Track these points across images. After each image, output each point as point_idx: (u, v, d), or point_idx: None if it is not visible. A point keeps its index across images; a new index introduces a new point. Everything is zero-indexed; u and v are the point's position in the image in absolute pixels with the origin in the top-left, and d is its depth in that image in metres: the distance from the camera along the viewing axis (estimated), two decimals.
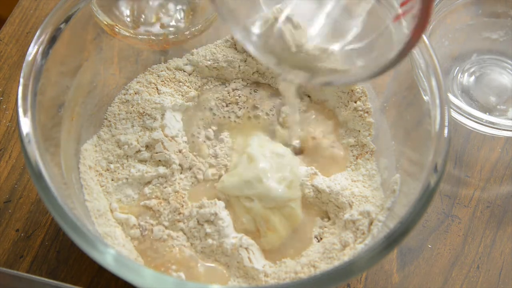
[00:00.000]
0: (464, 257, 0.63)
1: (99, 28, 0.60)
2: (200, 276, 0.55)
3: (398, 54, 0.46)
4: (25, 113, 0.50)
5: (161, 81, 0.65)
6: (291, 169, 0.59)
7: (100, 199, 0.57)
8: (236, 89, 0.65)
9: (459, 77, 0.73)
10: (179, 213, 0.57)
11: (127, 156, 0.61)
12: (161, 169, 0.59)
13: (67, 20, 0.55)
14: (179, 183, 0.59)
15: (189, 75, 0.66)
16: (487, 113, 0.68)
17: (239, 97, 0.64)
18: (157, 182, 0.59)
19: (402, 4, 0.47)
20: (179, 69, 0.66)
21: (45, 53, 0.53)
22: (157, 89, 0.64)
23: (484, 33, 0.74)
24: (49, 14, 0.55)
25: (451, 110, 0.65)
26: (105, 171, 0.60)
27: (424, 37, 0.57)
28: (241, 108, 0.63)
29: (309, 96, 0.66)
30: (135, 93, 0.63)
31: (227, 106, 0.64)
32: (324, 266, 0.54)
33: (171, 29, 0.66)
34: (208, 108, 0.64)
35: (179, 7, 0.68)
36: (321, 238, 0.58)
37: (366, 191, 0.59)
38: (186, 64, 0.66)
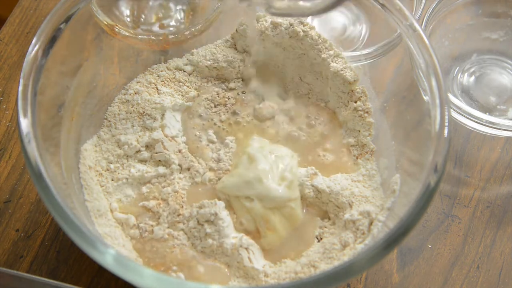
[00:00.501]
0: (464, 257, 0.63)
1: (99, 28, 0.60)
2: (201, 276, 0.55)
3: None
4: (25, 113, 0.50)
5: (161, 81, 0.65)
6: (290, 169, 0.59)
7: (100, 199, 0.57)
8: (232, 89, 0.65)
9: (459, 77, 0.73)
10: (179, 214, 0.57)
11: (127, 156, 0.61)
12: (161, 169, 0.59)
13: (67, 20, 0.55)
14: (178, 183, 0.59)
15: (189, 75, 0.66)
16: (487, 113, 0.68)
17: (228, 99, 0.64)
18: (156, 181, 0.59)
19: None
20: (179, 69, 0.66)
21: (45, 53, 0.53)
22: (157, 89, 0.64)
23: (484, 33, 0.74)
24: (49, 14, 0.55)
25: (451, 110, 0.65)
26: (105, 171, 0.60)
27: (424, 37, 0.57)
28: (225, 113, 0.63)
29: (309, 97, 0.66)
30: (135, 93, 0.63)
31: (215, 107, 0.64)
32: (324, 266, 0.54)
33: (171, 29, 0.66)
34: (197, 114, 0.63)
35: (179, 7, 0.68)
36: (321, 238, 0.58)
37: (366, 191, 0.59)
38: (186, 64, 0.66)
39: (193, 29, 0.63)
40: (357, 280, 0.61)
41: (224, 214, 0.57)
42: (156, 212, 0.57)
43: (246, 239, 0.56)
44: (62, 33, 0.55)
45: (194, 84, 0.65)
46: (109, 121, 0.62)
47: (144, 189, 0.59)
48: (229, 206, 0.58)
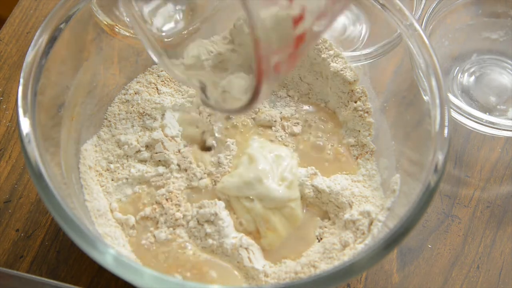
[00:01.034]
0: (464, 257, 0.63)
1: (99, 28, 0.60)
2: (214, 280, 0.55)
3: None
4: (25, 113, 0.50)
5: (161, 81, 0.65)
6: (290, 169, 0.59)
7: (100, 199, 0.57)
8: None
9: (459, 77, 0.73)
10: (176, 219, 0.57)
11: (127, 156, 0.61)
12: (161, 169, 0.59)
13: (67, 20, 0.55)
14: (173, 183, 0.59)
15: None
16: (487, 113, 0.68)
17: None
18: (153, 181, 0.59)
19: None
20: None
21: (45, 53, 0.53)
22: (157, 89, 0.64)
23: (484, 33, 0.74)
24: (49, 14, 0.55)
25: (451, 110, 0.65)
26: (105, 171, 0.60)
27: (424, 37, 0.57)
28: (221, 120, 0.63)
29: (309, 97, 0.66)
30: (135, 93, 0.63)
31: (209, 115, 0.63)
32: (324, 266, 0.54)
33: (170, 29, 0.66)
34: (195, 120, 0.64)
35: (178, 7, 0.68)
36: (321, 238, 0.58)
37: (366, 191, 0.59)
38: None
39: (190, 28, 0.63)
40: (357, 280, 0.61)
41: (224, 214, 0.57)
42: (153, 218, 0.57)
43: (246, 239, 0.56)
44: (62, 33, 0.55)
45: None
46: (109, 121, 0.62)
47: (137, 188, 0.59)
48: (229, 206, 0.58)
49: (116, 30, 0.61)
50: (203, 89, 0.52)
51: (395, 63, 0.64)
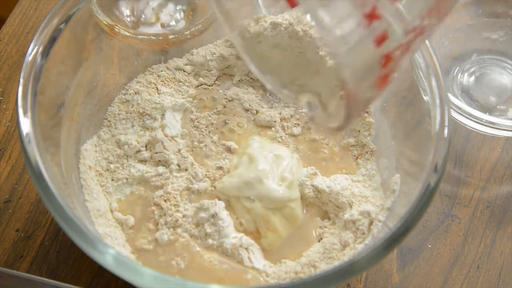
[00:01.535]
0: (464, 257, 0.63)
1: (99, 28, 0.60)
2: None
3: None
4: (25, 113, 0.50)
5: (161, 81, 0.65)
6: (290, 170, 0.59)
7: (100, 199, 0.57)
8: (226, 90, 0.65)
9: (459, 77, 0.73)
10: (176, 219, 0.56)
11: (127, 156, 0.61)
12: (161, 169, 0.59)
13: (67, 20, 0.55)
14: (172, 183, 0.58)
15: (189, 75, 0.66)
16: (487, 113, 0.68)
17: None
18: (153, 180, 0.59)
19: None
20: (179, 69, 0.66)
21: (45, 53, 0.53)
22: (157, 89, 0.64)
23: (484, 33, 0.74)
24: (49, 14, 0.55)
25: (451, 110, 0.65)
26: (105, 171, 0.60)
27: None
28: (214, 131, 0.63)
29: None
30: (135, 93, 0.63)
31: (206, 127, 0.63)
32: (324, 266, 0.54)
33: (171, 29, 0.66)
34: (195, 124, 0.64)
35: (179, 7, 0.68)
36: (321, 238, 0.58)
37: (366, 191, 0.59)
38: (186, 64, 0.66)
39: (193, 29, 0.63)
40: (357, 280, 0.61)
41: (224, 214, 0.57)
42: (153, 219, 0.57)
43: (246, 239, 0.56)
44: (62, 33, 0.55)
45: (194, 84, 0.65)
46: (109, 121, 0.62)
47: (135, 188, 0.59)
48: (229, 206, 0.58)
49: (116, 30, 0.61)
50: (309, 104, 0.51)
51: None
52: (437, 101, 0.54)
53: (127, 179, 0.59)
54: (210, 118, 0.63)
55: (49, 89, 0.54)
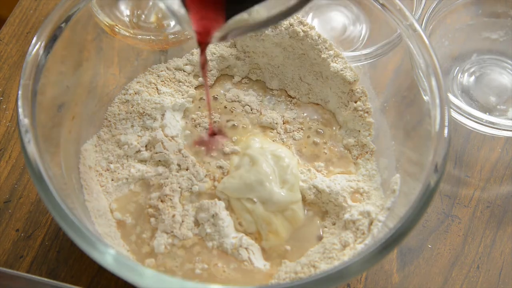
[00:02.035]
0: (464, 257, 0.63)
1: (99, 28, 0.60)
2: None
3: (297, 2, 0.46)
4: (25, 113, 0.50)
5: (161, 81, 0.65)
6: (291, 171, 0.59)
7: (100, 199, 0.57)
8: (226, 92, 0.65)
9: (459, 77, 0.73)
10: (174, 222, 0.56)
11: (127, 156, 0.61)
12: (161, 169, 0.59)
13: (67, 20, 0.55)
14: (172, 183, 0.58)
15: (189, 75, 0.66)
16: (487, 113, 0.68)
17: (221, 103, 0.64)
18: (153, 180, 0.59)
19: None
20: (179, 69, 0.66)
21: (45, 53, 0.53)
22: (157, 89, 0.64)
23: (484, 33, 0.74)
24: (49, 14, 0.55)
25: (451, 110, 0.65)
26: (105, 171, 0.60)
27: (424, 37, 0.57)
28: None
29: (309, 97, 0.66)
30: (135, 93, 0.63)
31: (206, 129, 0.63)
32: (324, 266, 0.54)
33: (171, 29, 0.66)
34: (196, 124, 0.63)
35: None
36: (321, 238, 0.58)
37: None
38: (186, 64, 0.66)
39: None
40: (357, 280, 0.61)
41: (224, 214, 0.57)
42: (150, 220, 0.57)
43: (246, 239, 0.56)
44: (62, 33, 0.55)
45: (194, 84, 0.65)
46: (109, 121, 0.62)
47: (133, 187, 0.59)
48: (229, 207, 0.58)
49: (116, 30, 0.61)
50: None
51: (395, 63, 0.65)
52: (437, 101, 0.54)
53: (127, 179, 0.59)
54: (214, 117, 0.63)
55: (49, 89, 0.54)
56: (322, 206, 0.60)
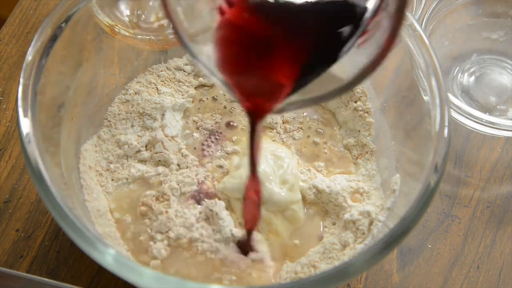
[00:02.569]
0: (464, 257, 0.63)
1: (99, 28, 0.60)
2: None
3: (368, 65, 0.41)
4: (25, 113, 0.50)
5: (161, 81, 0.65)
6: (291, 171, 0.59)
7: (100, 199, 0.57)
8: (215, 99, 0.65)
9: (459, 77, 0.73)
10: (168, 221, 0.56)
11: (127, 156, 0.61)
12: (161, 169, 0.59)
13: (67, 20, 0.55)
14: (171, 181, 0.58)
15: (189, 75, 0.66)
16: (487, 113, 0.68)
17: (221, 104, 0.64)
18: (153, 180, 0.59)
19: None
20: (179, 69, 0.66)
21: (45, 53, 0.53)
22: (157, 89, 0.64)
23: (484, 33, 0.74)
24: (49, 14, 0.55)
25: (451, 110, 0.65)
26: (105, 171, 0.60)
27: (424, 37, 0.57)
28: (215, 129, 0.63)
29: None
30: (135, 93, 0.63)
31: (210, 133, 0.63)
32: (324, 266, 0.54)
33: (171, 29, 0.66)
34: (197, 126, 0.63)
35: None
36: (321, 238, 0.58)
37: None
38: (186, 64, 0.66)
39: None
40: (357, 280, 0.61)
41: (225, 214, 0.57)
42: (147, 221, 0.57)
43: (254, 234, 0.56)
44: (62, 33, 0.55)
45: (194, 84, 0.65)
46: (109, 121, 0.62)
47: (132, 186, 0.58)
48: (229, 206, 0.58)
49: (116, 30, 0.61)
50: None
51: (395, 63, 0.64)
52: (437, 101, 0.54)
53: (127, 179, 0.59)
54: (213, 118, 0.63)
55: (49, 89, 0.54)
56: (322, 206, 0.60)
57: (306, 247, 0.57)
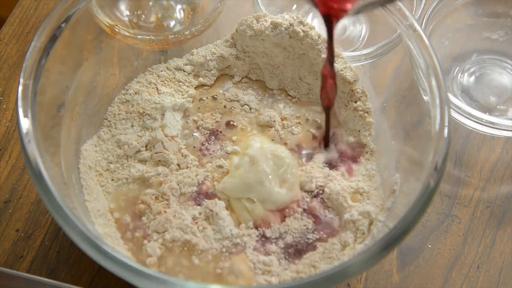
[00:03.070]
0: (464, 257, 0.63)
1: (99, 28, 0.60)
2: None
3: None
4: (25, 113, 0.50)
5: (161, 81, 0.65)
6: (291, 171, 0.59)
7: (100, 199, 0.57)
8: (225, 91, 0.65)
9: (459, 77, 0.73)
10: (165, 221, 0.56)
11: (127, 156, 0.61)
12: (161, 169, 0.59)
13: (67, 20, 0.55)
14: (171, 181, 0.58)
15: (189, 75, 0.66)
16: (487, 113, 0.68)
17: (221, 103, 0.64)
18: (152, 180, 0.59)
19: None
20: (179, 69, 0.66)
21: (45, 53, 0.53)
22: (157, 89, 0.64)
23: (484, 33, 0.74)
24: (49, 14, 0.55)
25: (451, 110, 0.65)
26: (105, 171, 0.60)
27: (424, 37, 0.57)
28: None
29: (309, 97, 0.66)
30: (135, 93, 0.63)
31: (210, 133, 0.63)
32: (324, 266, 0.54)
33: (171, 29, 0.66)
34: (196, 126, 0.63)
35: (179, 7, 0.68)
36: None
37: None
38: (186, 64, 0.66)
39: (193, 29, 0.63)
40: (357, 280, 0.61)
41: (225, 213, 0.57)
42: (144, 223, 0.57)
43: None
44: (62, 33, 0.55)
45: (194, 84, 0.65)
46: (109, 121, 0.62)
47: (131, 186, 0.58)
48: (229, 206, 0.58)
49: (116, 30, 0.61)
50: None
51: (395, 63, 0.65)
52: (437, 101, 0.54)
53: (127, 179, 0.59)
54: (213, 117, 0.63)
55: (49, 89, 0.54)
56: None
57: None
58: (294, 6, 0.73)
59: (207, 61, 0.65)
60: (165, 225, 0.55)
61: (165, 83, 0.65)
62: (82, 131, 0.60)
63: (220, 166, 0.60)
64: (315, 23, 0.70)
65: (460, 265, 0.62)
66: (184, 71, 0.66)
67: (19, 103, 0.51)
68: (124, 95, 0.64)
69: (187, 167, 0.60)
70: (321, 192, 0.59)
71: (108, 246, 0.47)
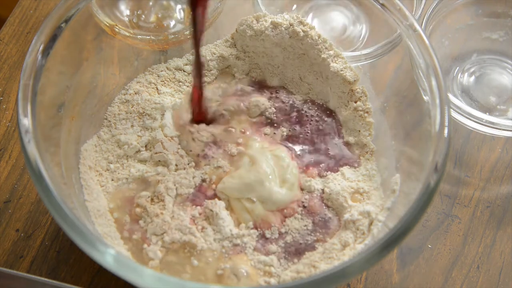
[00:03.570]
0: (464, 257, 0.63)
1: (99, 28, 0.61)
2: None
3: None
4: (25, 113, 0.50)
5: (161, 81, 0.65)
6: (291, 171, 0.59)
7: (100, 199, 0.57)
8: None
9: (459, 77, 0.73)
10: (163, 224, 0.56)
11: (127, 156, 0.61)
12: (160, 169, 0.59)
13: (67, 20, 0.55)
14: (168, 181, 0.58)
15: (189, 75, 0.66)
16: (487, 113, 0.68)
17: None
18: (152, 180, 0.59)
19: None
20: (179, 69, 0.66)
21: (45, 53, 0.53)
22: (157, 89, 0.64)
23: (484, 33, 0.74)
24: (49, 14, 0.55)
25: (451, 110, 0.65)
26: (105, 171, 0.60)
27: (424, 37, 0.57)
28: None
29: (309, 97, 0.66)
30: (135, 93, 0.63)
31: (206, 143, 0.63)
32: (324, 266, 0.54)
33: (171, 29, 0.66)
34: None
35: (179, 7, 0.68)
36: None
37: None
38: (186, 64, 0.66)
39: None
40: (357, 280, 0.61)
41: (225, 213, 0.57)
42: (143, 224, 0.57)
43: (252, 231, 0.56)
44: (62, 33, 0.55)
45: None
46: (109, 121, 0.62)
47: (131, 186, 0.58)
48: (229, 206, 0.58)
49: (116, 30, 0.61)
50: None
51: (395, 63, 0.65)
52: (437, 101, 0.54)
53: (127, 179, 0.59)
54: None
55: (49, 89, 0.54)
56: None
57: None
58: (294, 6, 0.73)
59: (207, 61, 0.65)
60: (163, 227, 0.55)
61: (165, 83, 0.65)
62: (82, 131, 0.60)
63: (220, 167, 0.60)
64: (315, 23, 0.70)
65: (460, 265, 0.62)
66: (184, 71, 0.66)
67: (19, 103, 0.51)
68: (124, 95, 0.64)
69: (184, 168, 0.60)
70: (321, 192, 0.59)
71: (108, 246, 0.47)
